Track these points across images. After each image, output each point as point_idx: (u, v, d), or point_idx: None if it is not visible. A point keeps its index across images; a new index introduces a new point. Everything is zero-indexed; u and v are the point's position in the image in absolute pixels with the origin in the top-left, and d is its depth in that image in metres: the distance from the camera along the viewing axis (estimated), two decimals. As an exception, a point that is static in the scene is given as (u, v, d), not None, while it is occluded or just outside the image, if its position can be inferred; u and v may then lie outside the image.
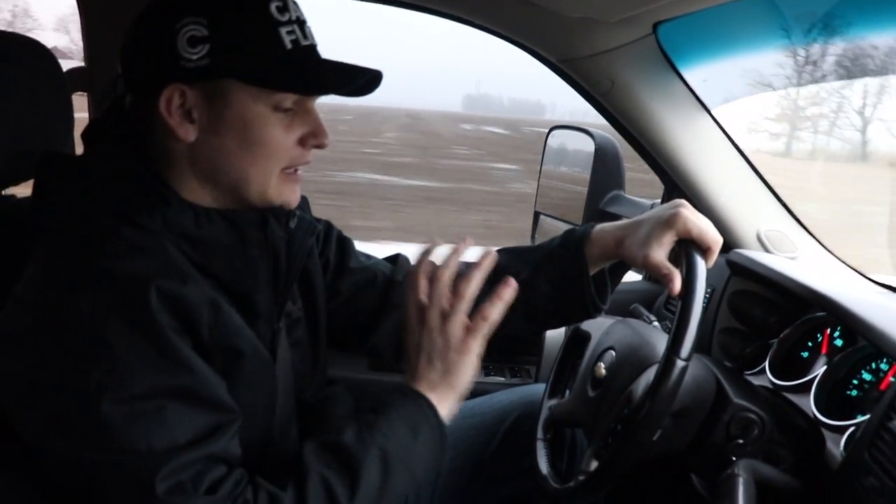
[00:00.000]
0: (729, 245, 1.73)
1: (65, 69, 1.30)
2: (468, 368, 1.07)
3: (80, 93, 1.73)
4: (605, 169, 2.03)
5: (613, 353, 1.28)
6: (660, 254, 1.18)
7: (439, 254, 1.12)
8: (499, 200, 13.80)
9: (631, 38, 1.60)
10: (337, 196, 12.14)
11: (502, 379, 2.00)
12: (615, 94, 1.71)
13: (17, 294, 0.93)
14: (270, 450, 1.09)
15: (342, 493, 0.95)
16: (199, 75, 0.96)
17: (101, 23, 1.74)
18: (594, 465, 1.18)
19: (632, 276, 1.89)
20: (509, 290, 1.07)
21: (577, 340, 1.46)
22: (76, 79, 1.73)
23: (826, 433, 1.22)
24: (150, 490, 0.85)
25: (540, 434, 1.38)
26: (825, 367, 1.33)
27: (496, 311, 1.07)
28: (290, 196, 1.06)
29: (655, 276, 1.18)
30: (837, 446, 1.18)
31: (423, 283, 1.09)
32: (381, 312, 1.35)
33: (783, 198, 1.78)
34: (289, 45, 0.98)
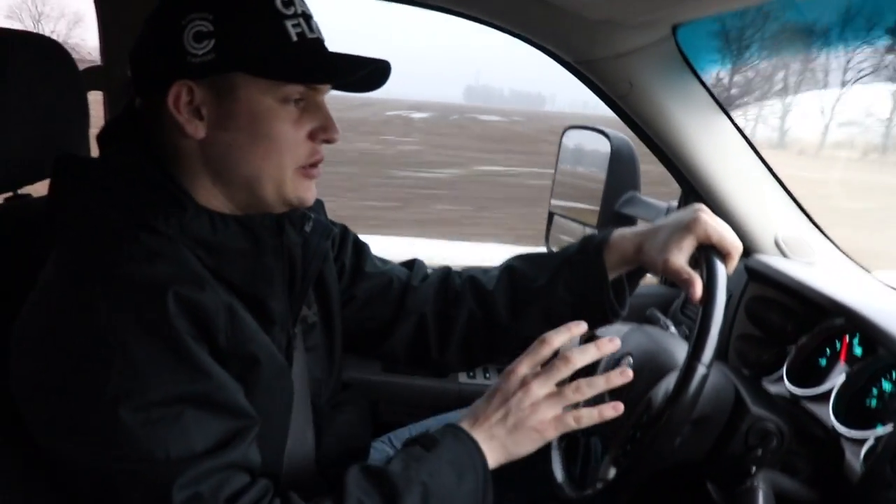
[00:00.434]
0: (746, 249, 1.72)
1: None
2: (531, 440, 1.06)
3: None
4: (620, 170, 2.01)
5: (631, 359, 1.27)
6: (680, 259, 1.17)
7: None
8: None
9: (650, 41, 1.58)
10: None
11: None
12: (633, 96, 1.69)
13: (35, 297, 0.93)
14: (285, 455, 1.08)
15: None
16: (206, 70, 0.96)
17: (117, 21, 1.74)
18: (612, 472, 1.17)
19: (647, 280, 1.88)
20: (611, 412, 1.06)
21: (593, 346, 1.45)
22: (91, 77, 1.72)
23: (845, 444, 1.21)
24: (167, 499, 0.85)
25: (554, 441, 1.37)
26: (844, 377, 1.31)
27: (585, 394, 1.07)
28: (305, 193, 1.05)
29: (675, 282, 1.17)
30: (857, 458, 1.17)
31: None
32: (396, 318, 1.34)
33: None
34: (294, 38, 0.98)
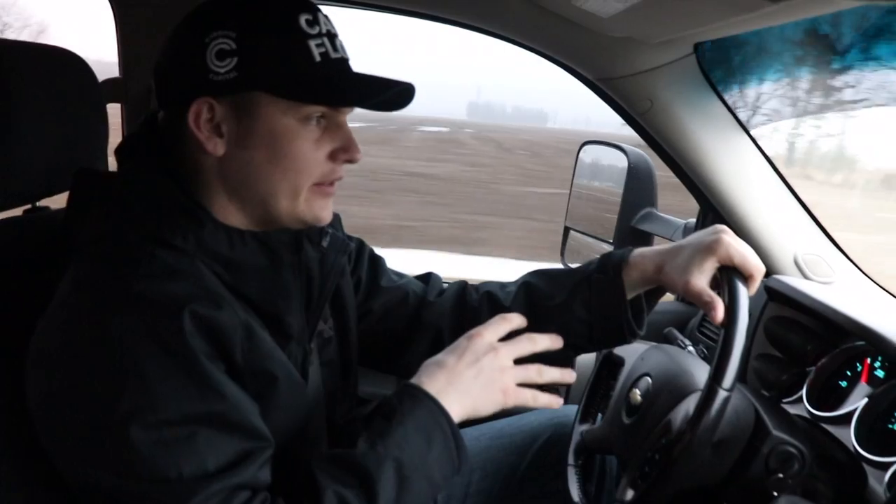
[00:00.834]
0: (766, 270, 1.70)
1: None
2: (494, 402, 1.06)
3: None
4: (637, 186, 2.00)
5: (649, 379, 1.26)
6: (701, 280, 1.16)
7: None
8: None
9: (672, 58, 1.57)
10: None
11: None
12: (654, 114, 1.69)
13: (51, 311, 0.92)
14: (300, 470, 1.07)
15: None
16: (228, 88, 0.95)
17: (136, 34, 1.75)
18: (630, 494, 1.15)
19: (663, 297, 1.86)
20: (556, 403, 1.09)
21: (610, 365, 1.44)
22: (110, 89, 1.73)
23: (868, 468, 1.19)
24: None
25: (571, 460, 1.36)
26: (866, 399, 1.29)
27: (543, 379, 1.08)
28: (321, 212, 1.05)
29: (696, 304, 1.16)
30: (881, 483, 1.15)
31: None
32: (412, 332, 1.33)
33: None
34: (318, 58, 0.97)
